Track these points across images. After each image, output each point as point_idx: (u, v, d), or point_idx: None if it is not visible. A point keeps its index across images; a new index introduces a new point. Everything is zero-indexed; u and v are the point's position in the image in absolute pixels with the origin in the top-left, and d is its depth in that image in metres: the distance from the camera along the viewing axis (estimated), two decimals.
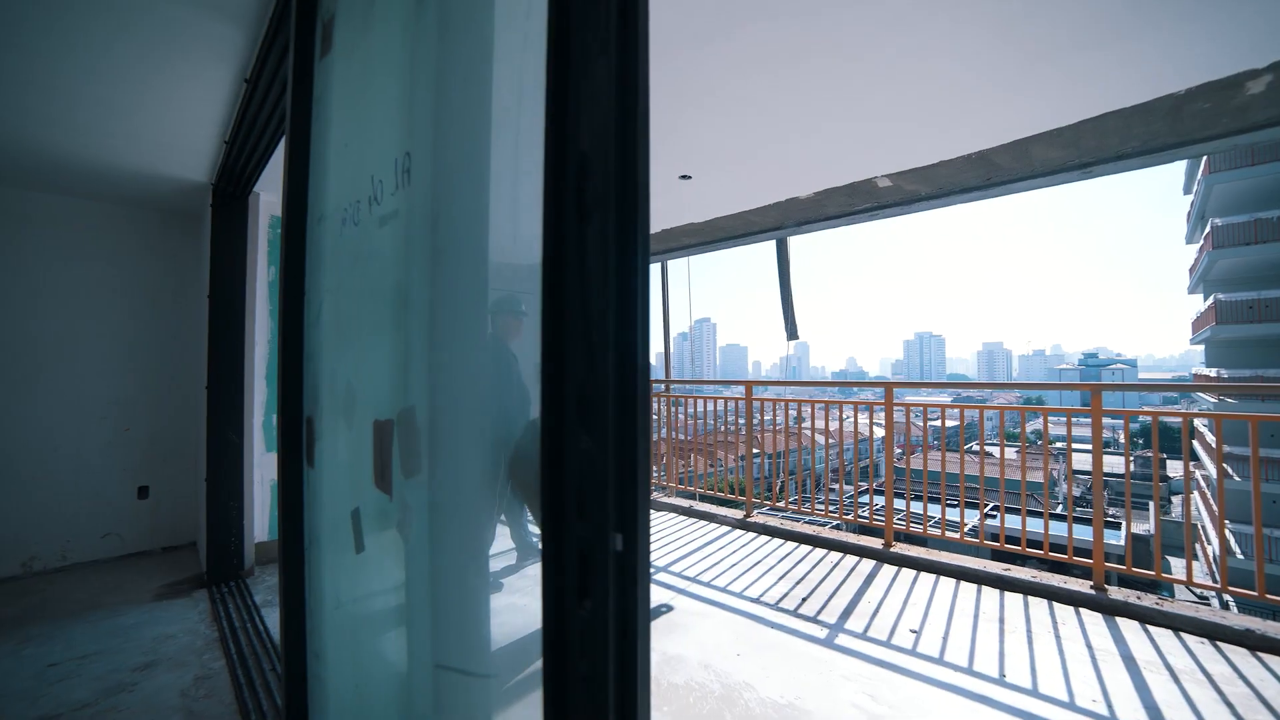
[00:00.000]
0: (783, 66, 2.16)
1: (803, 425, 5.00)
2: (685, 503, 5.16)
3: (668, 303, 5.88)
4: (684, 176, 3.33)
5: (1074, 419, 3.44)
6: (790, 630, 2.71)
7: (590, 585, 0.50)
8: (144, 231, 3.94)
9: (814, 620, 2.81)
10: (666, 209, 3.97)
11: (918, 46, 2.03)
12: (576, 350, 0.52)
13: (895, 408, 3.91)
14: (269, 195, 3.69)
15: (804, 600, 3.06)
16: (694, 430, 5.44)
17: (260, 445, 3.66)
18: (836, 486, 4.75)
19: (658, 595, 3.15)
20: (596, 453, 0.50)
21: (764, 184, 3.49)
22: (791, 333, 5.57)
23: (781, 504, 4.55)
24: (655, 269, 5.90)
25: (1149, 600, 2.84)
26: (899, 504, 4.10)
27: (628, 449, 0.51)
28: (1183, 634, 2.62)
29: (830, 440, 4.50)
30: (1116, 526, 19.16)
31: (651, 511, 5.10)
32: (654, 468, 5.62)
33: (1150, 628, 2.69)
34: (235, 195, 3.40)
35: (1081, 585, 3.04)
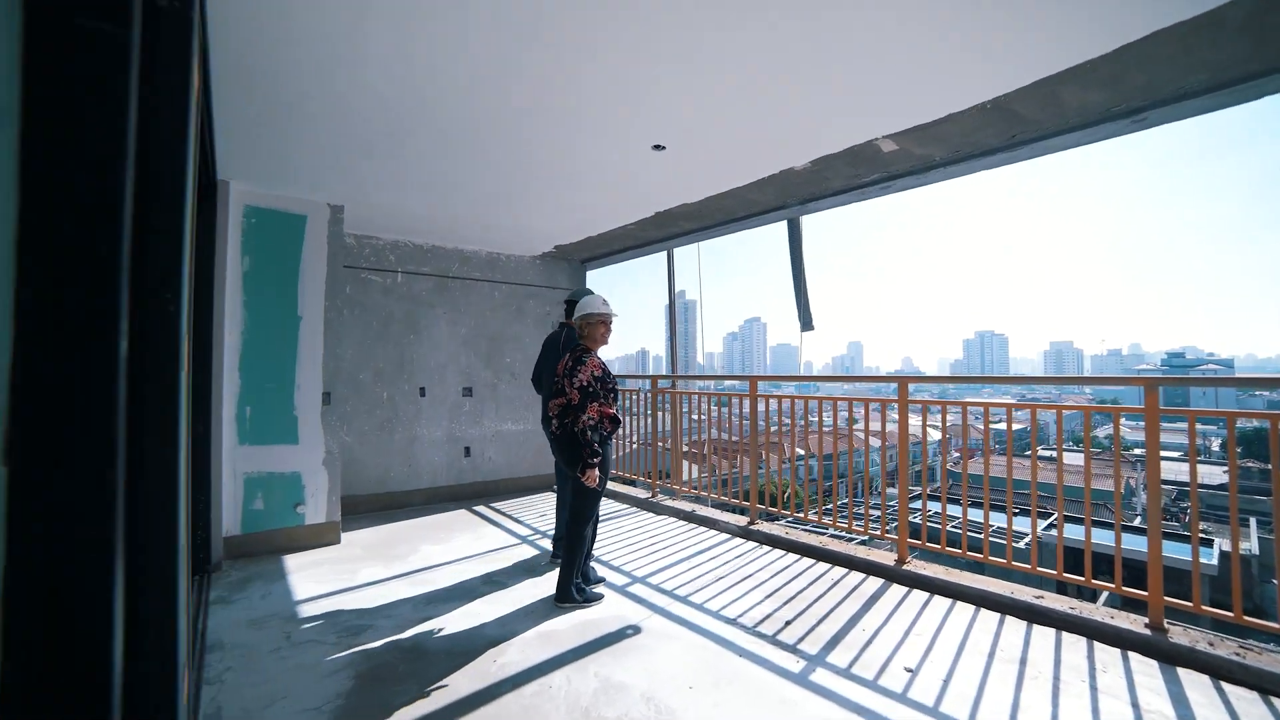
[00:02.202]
0: (751, 10, 1.82)
1: (816, 426, 4.55)
2: (689, 507, 4.81)
3: (674, 292, 5.54)
4: (657, 147, 3.00)
5: (1126, 421, 2.86)
6: (761, 660, 2.33)
7: None
8: None
9: (792, 649, 2.42)
10: (645, 185, 3.64)
11: None
12: None
13: (913, 405, 3.42)
14: (242, 184, 3.64)
15: (787, 624, 2.67)
16: (707, 430, 5.08)
17: (232, 437, 3.62)
18: (858, 494, 4.28)
19: (626, 610, 2.84)
20: None
21: (751, 155, 3.11)
22: (806, 323, 5.11)
23: (787, 511, 4.12)
24: (660, 257, 5.57)
25: (1226, 648, 2.27)
26: (933, 509, 3.59)
27: None
28: (1275, 699, 2.06)
29: (839, 444, 4.04)
30: (1207, 544, 17.16)
31: (649, 515, 4.79)
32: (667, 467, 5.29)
33: (1226, 686, 2.13)
34: (199, 182, 3.35)
35: (1134, 623, 2.49)
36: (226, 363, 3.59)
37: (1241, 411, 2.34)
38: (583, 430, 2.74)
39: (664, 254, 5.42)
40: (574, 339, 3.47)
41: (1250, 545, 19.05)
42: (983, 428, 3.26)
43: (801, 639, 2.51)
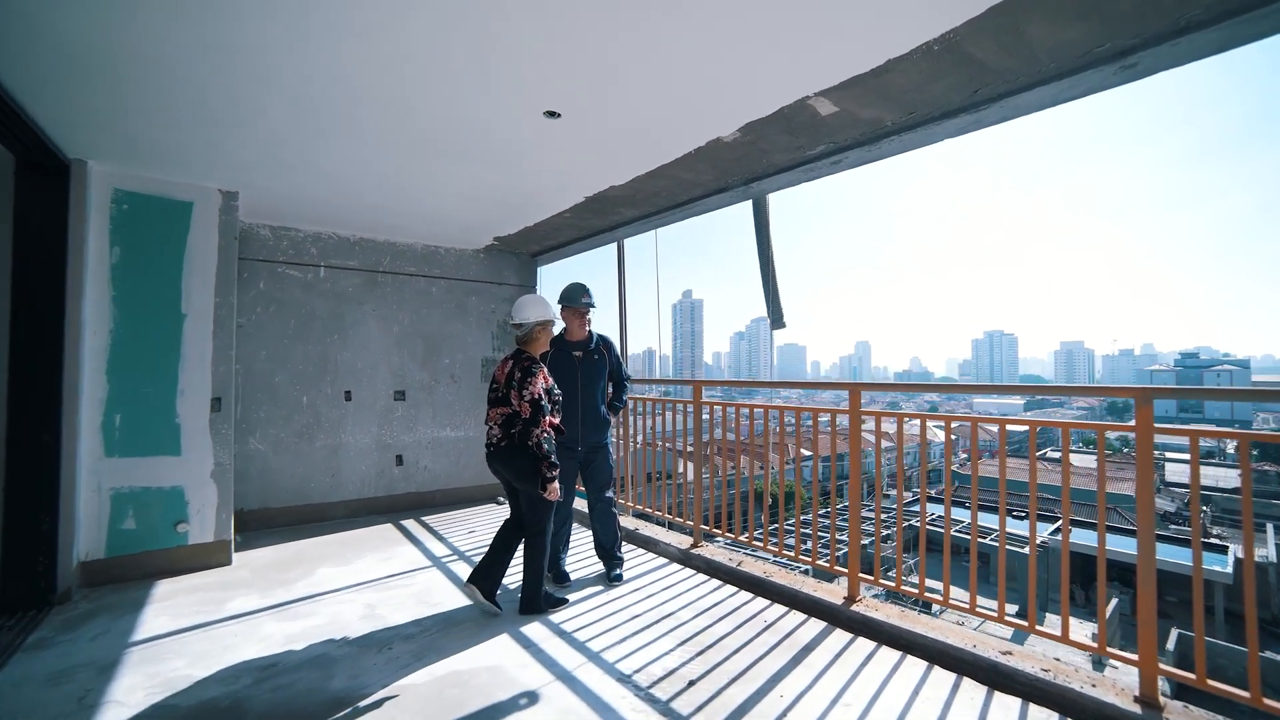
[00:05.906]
0: None
1: (758, 437, 4.06)
2: (633, 525, 4.35)
3: (624, 286, 5.07)
4: (550, 114, 2.53)
5: (1111, 432, 2.37)
6: None
7: None
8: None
9: None
10: (554, 163, 3.15)
11: None
12: None
13: (865, 416, 2.93)
14: (107, 165, 3.22)
15: (691, 684, 2.19)
16: (652, 438, 4.60)
17: (96, 448, 3.21)
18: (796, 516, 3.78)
19: (506, 660, 2.38)
20: None
21: (666, 122, 2.63)
22: (776, 320, 4.61)
23: (732, 534, 3.64)
24: (612, 249, 5.11)
25: None
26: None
27: None
28: None
29: (789, 457, 3.55)
30: (1222, 550, 16.43)
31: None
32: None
33: None
34: (42, 163, 2.93)
35: (1120, 695, 2.00)
36: (88, 365, 3.17)
37: (1252, 433, 1.83)
38: (538, 444, 2.66)
39: (656, 250, 5.03)
40: (578, 344, 3.32)
41: (1267, 552, 18.25)
42: (945, 437, 2.77)
43: (699, 708, 2.04)
